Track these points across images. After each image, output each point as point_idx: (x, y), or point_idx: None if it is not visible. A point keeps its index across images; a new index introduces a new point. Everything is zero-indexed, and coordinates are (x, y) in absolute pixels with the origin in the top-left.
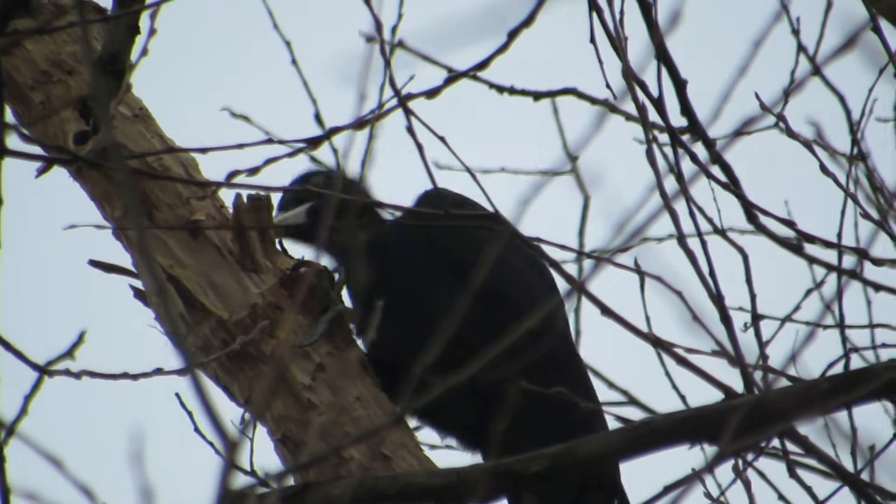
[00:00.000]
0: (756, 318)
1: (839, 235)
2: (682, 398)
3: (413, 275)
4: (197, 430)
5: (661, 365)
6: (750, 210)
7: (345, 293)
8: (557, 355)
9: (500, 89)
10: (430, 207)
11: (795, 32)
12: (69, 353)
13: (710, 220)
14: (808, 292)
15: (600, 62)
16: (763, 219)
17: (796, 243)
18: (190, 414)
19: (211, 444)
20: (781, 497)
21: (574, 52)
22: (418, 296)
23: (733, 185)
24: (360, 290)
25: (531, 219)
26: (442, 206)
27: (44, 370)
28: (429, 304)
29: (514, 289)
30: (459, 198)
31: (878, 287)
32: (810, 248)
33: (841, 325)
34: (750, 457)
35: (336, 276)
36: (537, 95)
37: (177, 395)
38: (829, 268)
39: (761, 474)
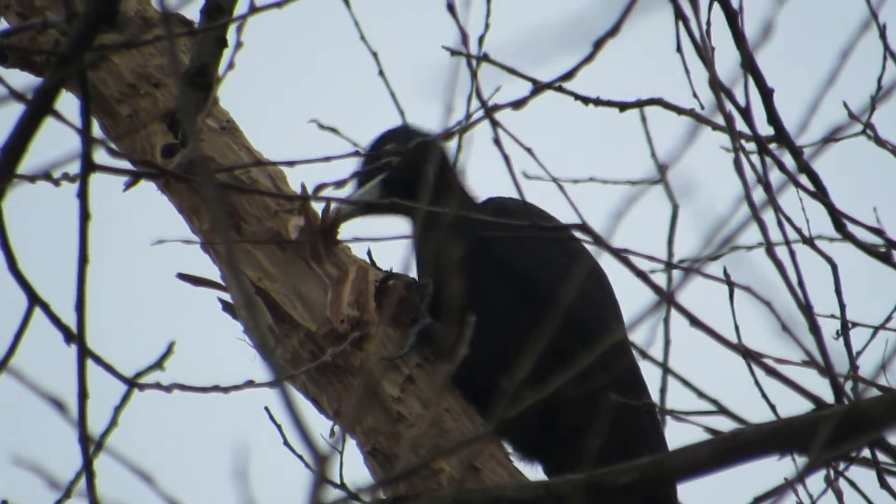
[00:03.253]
0: (845, 326)
1: None
2: (773, 408)
3: (490, 291)
4: (287, 443)
5: (750, 375)
6: (838, 219)
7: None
8: (636, 368)
9: (586, 101)
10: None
11: (883, 38)
12: (158, 364)
13: (797, 230)
14: None
15: (687, 72)
16: (851, 227)
17: (885, 251)
18: (279, 427)
19: (301, 457)
20: None
21: (660, 62)
22: (501, 311)
23: (821, 194)
24: (451, 303)
25: (619, 229)
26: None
27: (133, 382)
28: (509, 320)
29: (585, 306)
30: (525, 207)
31: None
32: None
33: None
34: (841, 467)
35: (426, 288)
36: (623, 106)
37: (266, 408)
38: None
39: (852, 484)
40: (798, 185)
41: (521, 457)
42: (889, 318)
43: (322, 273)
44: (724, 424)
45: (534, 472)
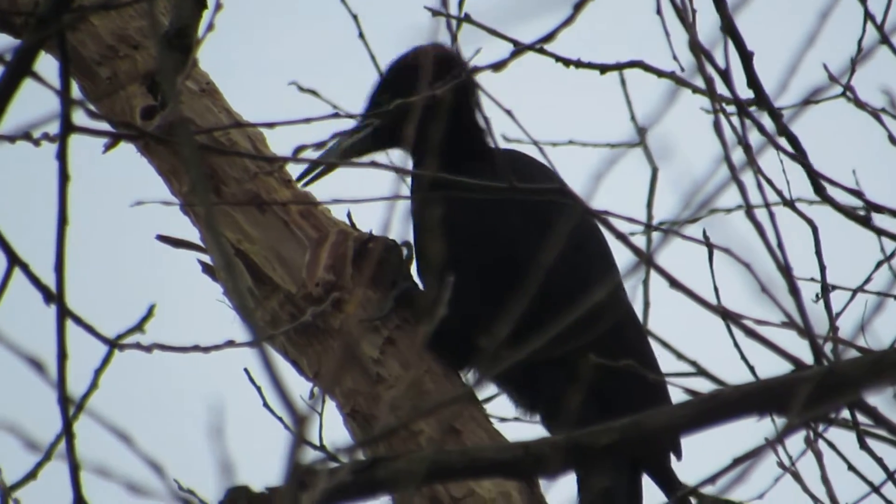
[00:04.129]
0: (825, 289)
1: None
2: (752, 369)
3: (468, 254)
4: (266, 405)
5: (730, 337)
6: (817, 181)
7: (414, 268)
8: (623, 329)
9: (567, 62)
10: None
11: (863, 1)
12: (139, 327)
13: (778, 192)
14: (879, 264)
15: (667, 34)
16: (831, 190)
17: (864, 215)
18: (259, 389)
19: (280, 418)
20: (851, 468)
21: (641, 25)
22: (487, 265)
23: (800, 156)
24: (431, 264)
25: (599, 191)
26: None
27: (114, 343)
28: (486, 283)
29: (580, 265)
30: (535, 164)
31: None
32: (879, 219)
33: None
34: (820, 428)
35: (405, 250)
36: (603, 68)
37: (245, 370)
38: None
39: (831, 445)
40: (777, 147)
41: (538, 419)
42: (868, 280)
43: (302, 235)
44: (704, 386)
45: (513, 433)
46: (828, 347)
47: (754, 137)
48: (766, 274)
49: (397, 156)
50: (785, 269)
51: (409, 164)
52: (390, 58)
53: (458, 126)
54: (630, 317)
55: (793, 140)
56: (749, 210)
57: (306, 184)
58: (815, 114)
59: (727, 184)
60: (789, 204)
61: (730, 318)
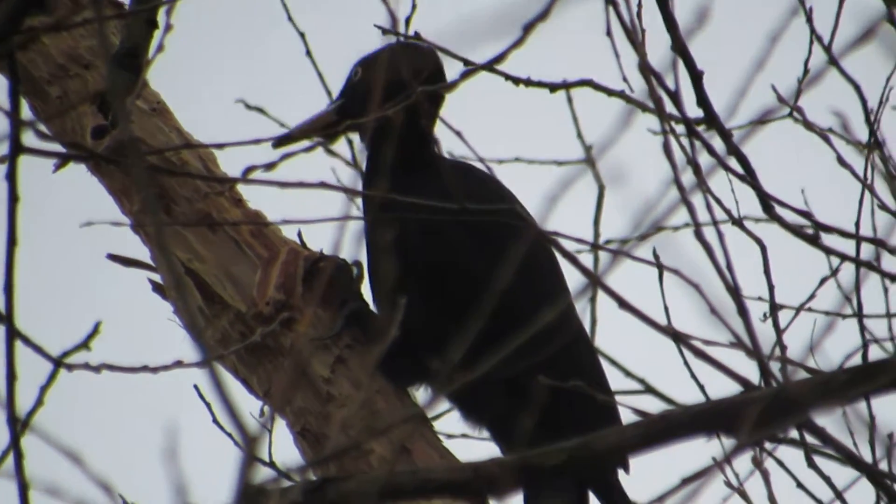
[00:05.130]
0: (774, 308)
1: (857, 225)
2: (702, 389)
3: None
4: (216, 422)
5: (679, 357)
6: (766, 200)
7: (366, 287)
8: (574, 349)
9: (517, 81)
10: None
11: (810, 22)
12: (85, 344)
13: (727, 211)
14: (823, 280)
15: (616, 55)
16: (780, 210)
17: (812, 234)
18: (209, 406)
19: (230, 436)
20: (800, 485)
21: (592, 46)
22: (439, 288)
23: (750, 177)
24: (383, 285)
25: (552, 212)
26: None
27: (59, 362)
28: (437, 305)
29: (532, 285)
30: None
31: (894, 277)
32: (827, 239)
33: (859, 315)
34: (769, 447)
35: (355, 269)
36: (553, 87)
37: (195, 386)
38: (846, 258)
39: (780, 463)
40: (727, 167)
41: (493, 438)
42: (812, 298)
43: (253, 254)
44: (653, 405)
45: (463, 450)
46: (777, 367)
47: (704, 158)
48: (715, 294)
49: (348, 175)
50: (733, 290)
51: (364, 162)
52: (343, 71)
53: (416, 135)
54: (581, 336)
55: (742, 160)
56: (697, 229)
57: (276, 146)
58: (765, 136)
59: (677, 204)
60: (738, 223)
61: (679, 338)
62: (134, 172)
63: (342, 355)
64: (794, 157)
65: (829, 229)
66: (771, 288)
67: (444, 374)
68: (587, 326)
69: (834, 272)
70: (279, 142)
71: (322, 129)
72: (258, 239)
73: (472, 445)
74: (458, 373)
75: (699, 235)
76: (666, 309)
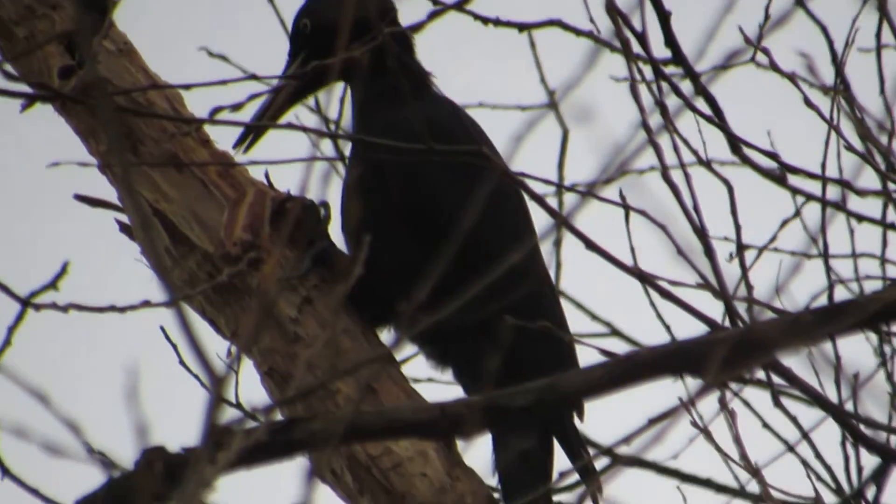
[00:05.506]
0: (741, 248)
1: (823, 167)
2: (668, 328)
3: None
4: (182, 362)
5: (646, 299)
6: (734, 142)
7: (333, 227)
8: (538, 292)
9: (486, 21)
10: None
11: None
12: (52, 285)
13: (694, 152)
14: (786, 221)
15: None
16: (747, 151)
17: (780, 174)
18: (175, 347)
19: (196, 377)
20: (766, 426)
21: None
22: (405, 227)
23: (717, 118)
24: (350, 225)
25: (518, 154)
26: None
27: (27, 302)
28: (405, 243)
29: (499, 226)
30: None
31: (860, 218)
32: (794, 180)
33: (825, 256)
34: (735, 388)
35: (322, 210)
36: (522, 27)
37: (161, 328)
38: (812, 198)
39: (747, 404)
40: (694, 109)
41: (459, 381)
42: (775, 238)
43: (220, 195)
44: (619, 347)
45: (430, 393)
46: (743, 309)
47: (671, 100)
48: (682, 235)
49: (314, 117)
50: (700, 231)
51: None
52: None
53: (386, 74)
54: (545, 280)
55: (710, 101)
56: (665, 170)
57: (246, 150)
58: (732, 77)
59: (644, 146)
60: (705, 164)
61: (645, 279)
62: (101, 113)
63: (309, 296)
64: (760, 99)
65: (795, 170)
66: (738, 228)
67: (409, 315)
68: (552, 269)
69: (797, 212)
70: (241, 143)
71: (287, 105)
72: (225, 179)
73: (438, 389)
74: (423, 314)
75: (666, 177)
76: (632, 250)
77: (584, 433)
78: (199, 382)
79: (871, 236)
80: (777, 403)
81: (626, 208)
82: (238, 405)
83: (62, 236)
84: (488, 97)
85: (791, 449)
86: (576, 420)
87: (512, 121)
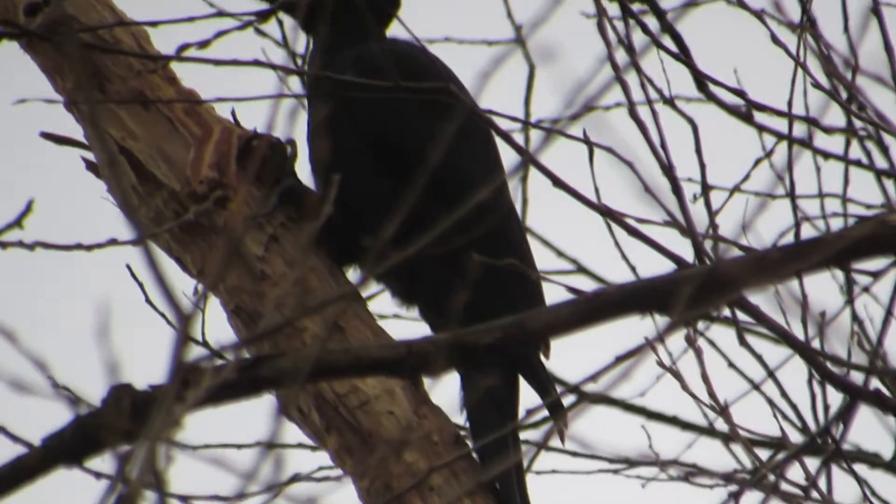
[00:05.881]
0: (706, 188)
1: (789, 104)
2: (632, 268)
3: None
4: (148, 300)
5: (611, 237)
6: (700, 79)
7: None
8: (505, 228)
9: None
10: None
11: None
12: (17, 223)
13: (658, 91)
14: (758, 161)
15: None
16: (714, 89)
17: (746, 111)
18: (141, 286)
19: (163, 315)
20: (732, 365)
21: None
22: (365, 171)
23: (684, 55)
24: (318, 163)
25: (485, 91)
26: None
27: None
28: (373, 180)
29: (467, 162)
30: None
31: (826, 155)
32: (761, 118)
33: (792, 196)
34: (701, 327)
35: (289, 148)
36: None
37: (128, 266)
38: (780, 136)
39: (712, 344)
40: (661, 46)
41: (425, 318)
42: (746, 178)
43: (186, 133)
44: (585, 285)
45: (402, 326)
46: (710, 246)
47: (638, 37)
48: (648, 174)
49: (280, 54)
50: (667, 168)
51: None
52: None
53: (353, 16)
54: (512, 216)
55: (676, 39)
56: (632, 108)
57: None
58: (699, 15)
59: (610, 83)
60: (669, 102)
61: (612, 216)
62: (67, 50)
63: (276, 234)
64: (728, 37)
65: (762, 108)
66: (703, 167)
67: (376, 252)
68: (518, 206)
69: (768, 153)
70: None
71: None
72: (192, 117)
73: (405, 326)
74: (391, 250)
75: (633, 114)
76: (596, 190)
77: (551, 371)
78: (165, 321)
79: (837, 175)
80: (743, 342)
81: (592, 145)
82: (205, 343)
83: (28, 174)
84: (454, 32)
85: (756, 388)
86: (542, 358)
87: (478, 56)
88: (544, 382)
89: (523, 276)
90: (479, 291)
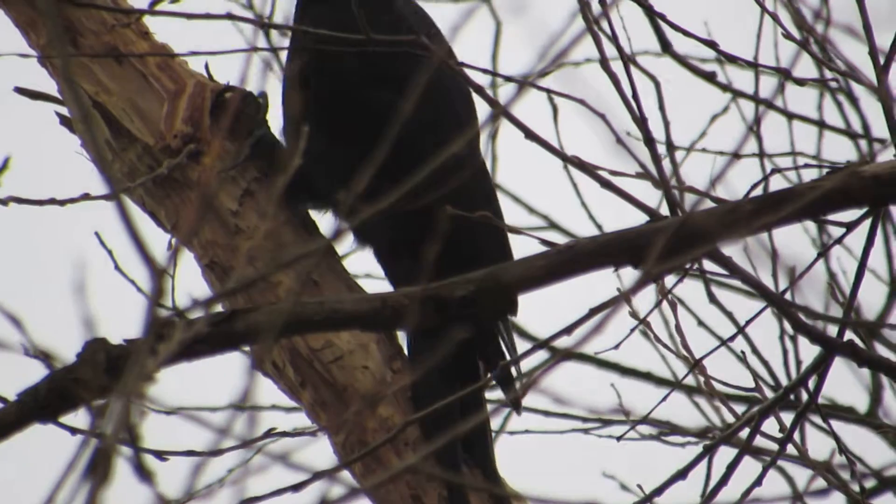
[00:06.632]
0: (671, 145)
1: (755, 56)
2: (598, 227)
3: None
4: (118, 268)
5: (576, 194)
6: (664, 40)
7: (273, 117)
8: (477, 183)
9: None
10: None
11: None
12: None
13: (619, 48)
14: (714, 118)
15: None
16: (685, 41)
17: (710, 72)
18: (110, 252)
19: (132, 282)
20: (701, 323)
21: None
22: (346, 118)
23: (650, 16)
24: (291, 114)
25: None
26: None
27: None
28: (344, 134)
29: (440, 114)
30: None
31: (791, 116)
32: (731, 73)
33: (761, 151)
34: (674, 279)
35: (261, 100)
36: None
37: (96, 233)
38: (745, 96)
39: (681, 302)
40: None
41: (393, 273)
42: (703, 135)
43: (160, 87)
44: (558, 240)
45: (374, 285)
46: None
47: None
48: (619, 128)
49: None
50: (640, 120)
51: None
52: None
53: None
54: (482, 170)
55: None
56: (604, 61)
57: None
58: None
59: (581, 36)
60: (632, 60)
61: (584, 168)
62: (40, 4)
63: (250, 188)
64: None
65: (733, 59)
66: (667, 124)
67: (347, 206)
68: (489, 160)
69: (724, 109)
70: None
71: None
72: (165, 72)
73: (377, 284)
74: (362, 204)
75: (605, 66)
76: (559, 141)
77: (522, 326)
78: (136, 288)
79: (810, 131)
80: (713, 299)
81: (560, 98)
82: (178, 299)
83: (2, 129)
84: None
85: (725, 343)
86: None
87: (446, 11)
88: (506, 339)
89: (494, 232)
90: (449, 246)
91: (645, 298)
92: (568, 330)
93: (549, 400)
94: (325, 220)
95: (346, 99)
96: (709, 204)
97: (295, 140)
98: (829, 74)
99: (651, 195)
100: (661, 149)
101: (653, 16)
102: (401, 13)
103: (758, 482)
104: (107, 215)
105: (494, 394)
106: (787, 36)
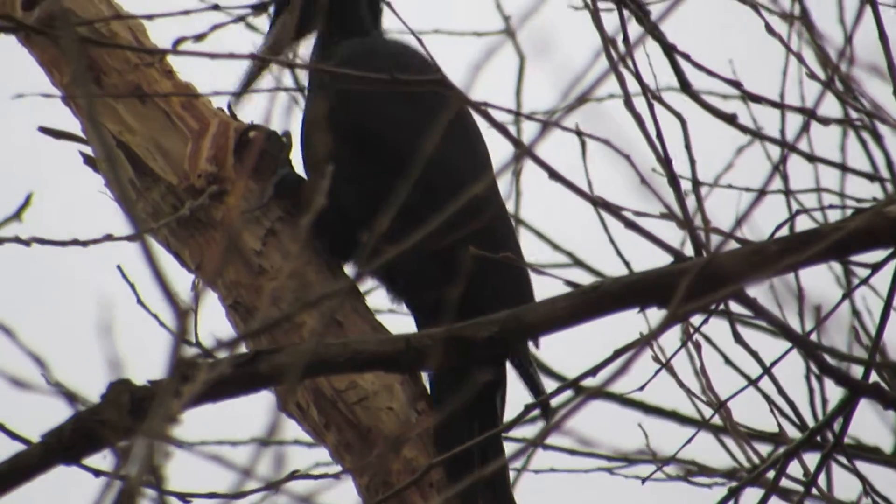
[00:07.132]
0: (696, 183)
1: (781, 96)
2: (627, 265)
3: (348, 145)
4: (141, 302)
5: (605, 232)
6: (683, 81)
7: (296, 158)
8: (495, 224)
9: None
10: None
11: None
12: (17, 216)
13: (644, 86)
14: (741, 149)
15: None
16: (708, 81)
17: (730, 114)
18: (133, 287)
19: (155, 316)
20: (728, 361)
21: None
22: (359, 166)
23: (668, 56)
24: (315, 155)
25: (476, 82)
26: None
27: None
28: (366, 175)
29: (459, 157)
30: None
31: (812, 158)
32: (756, 110)
33: (786, 189)
34: (698, 320)
35: (285, 139)
36: None
37: (118, 267)
38: (769, 140)
39: (708, 339)
40: (654, 37)
41: (417, 314)
42: (729, 167)
43: (183, 126)
44: (583, 278)
45: (397, 320)
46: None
47: (633, 28)
48: (643, 166)
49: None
50: (664, 160)
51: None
52: None
53: (349, 9)
54: (502, 212)
55: (661, 40)
56: (628, 99)
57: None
58: (693, 7)
59: (605, 75)
60: (657, 98)
61: (609, 209)
62: (64, 44)
63: (274, 227)
64: (722, 28)
65: (757, 99)
66: (692, 161)
67: (370, 246)
68: (513, 199)
69: (740, 150)
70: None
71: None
72: (189, 111)
73: (401, 320)
74: (384, 245)
75: (629, 105)
76: (589, 183)
77: (547, 366)
78: (158, 322)
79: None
80: (738, 338)
81: (585, 137)
82: (202, 339)
83: (26, 168)
84: (444, 24)
85: (753, 383)
86: (533, 350)
87: (468, 48)
88: (534, 378)
89: (515, 273)
90: (470, 288)
91: (670, 338)
92: (593, 371)
93: (574, 440)
94: (346, 261)
95: (368, 138)
96: (734, 244)
97: (319, 180)
98: (853, 114)
99: (676, 235)
100: (686, 185)
101: (671, 55)
102: (418, 53)
103: None
104: (131, 255)
105: (519, 431)
106: (812, 75)
